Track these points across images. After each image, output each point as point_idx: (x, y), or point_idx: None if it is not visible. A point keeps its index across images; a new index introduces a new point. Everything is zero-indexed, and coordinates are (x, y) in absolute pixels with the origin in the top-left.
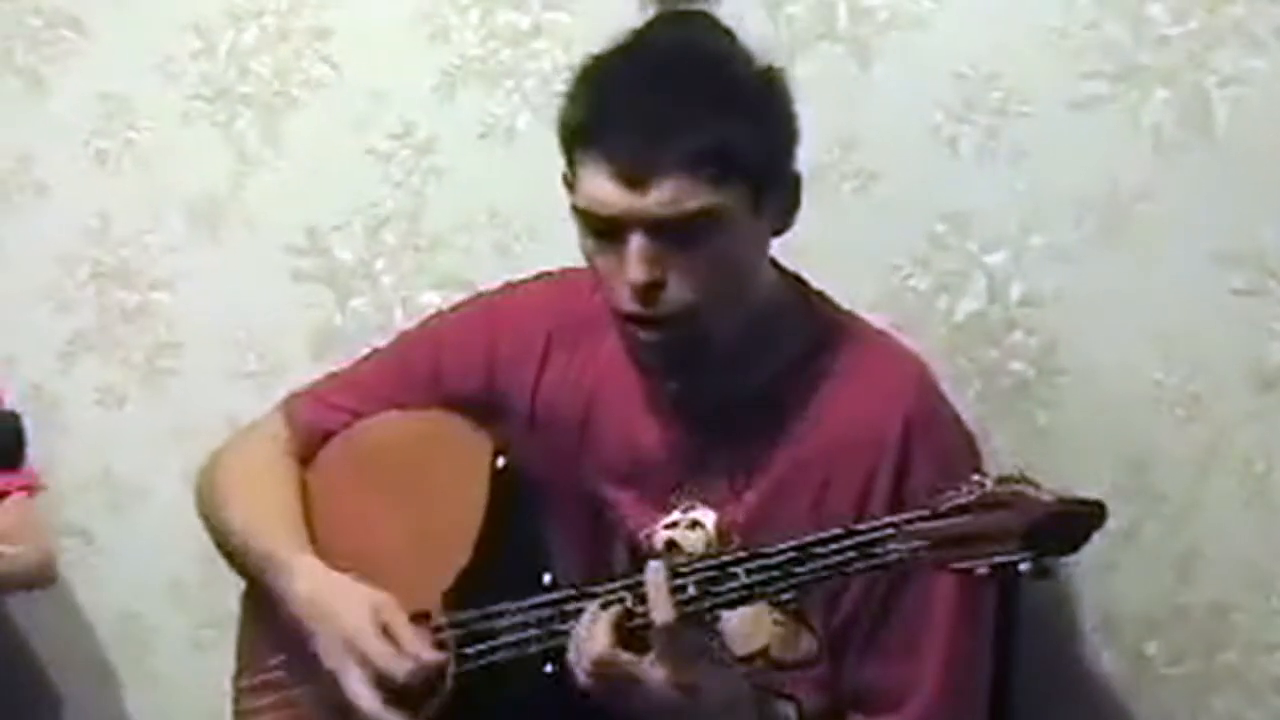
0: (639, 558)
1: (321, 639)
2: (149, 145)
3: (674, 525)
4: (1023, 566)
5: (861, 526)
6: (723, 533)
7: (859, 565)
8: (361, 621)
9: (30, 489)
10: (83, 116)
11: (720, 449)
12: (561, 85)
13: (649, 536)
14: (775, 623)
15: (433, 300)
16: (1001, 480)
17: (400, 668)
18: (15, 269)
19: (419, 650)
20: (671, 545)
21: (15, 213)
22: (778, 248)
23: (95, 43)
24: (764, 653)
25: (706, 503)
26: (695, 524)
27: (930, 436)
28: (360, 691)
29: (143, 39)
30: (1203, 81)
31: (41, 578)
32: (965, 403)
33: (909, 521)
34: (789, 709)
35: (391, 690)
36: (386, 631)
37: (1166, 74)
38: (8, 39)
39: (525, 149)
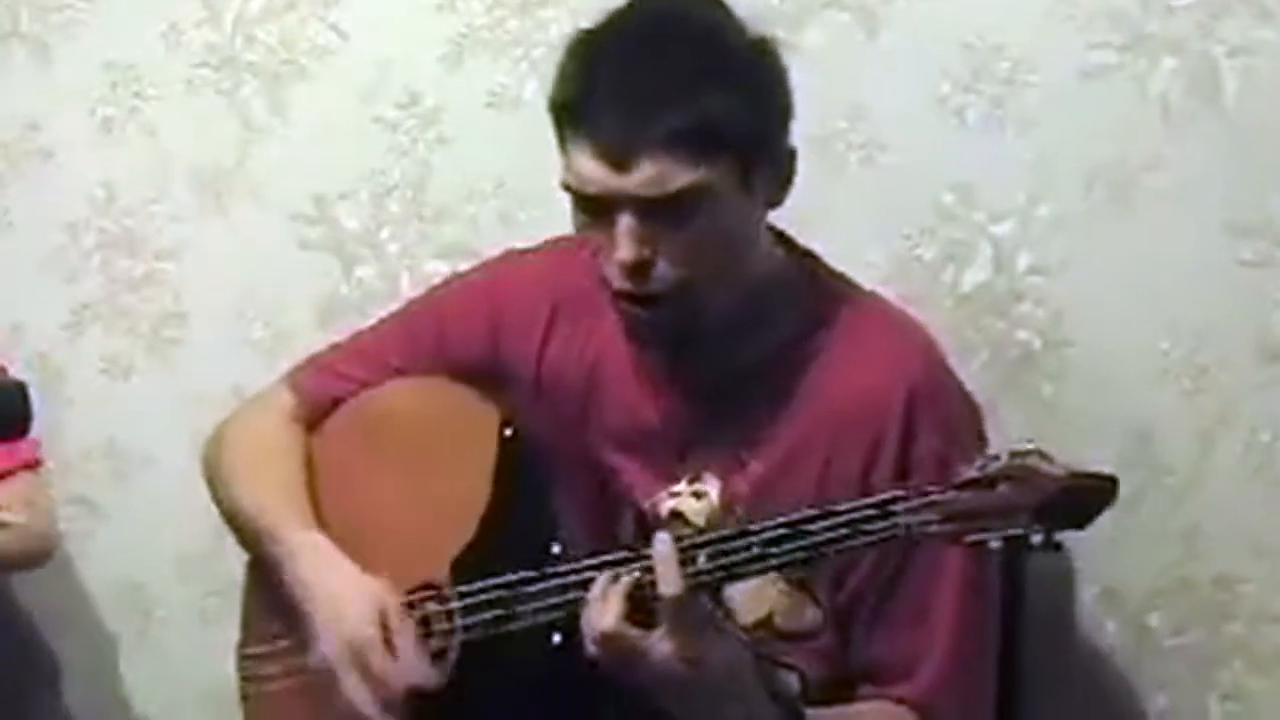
0: (645, 527)
1: (322, 632)
2: (155, 114)
3: (679, 495)
4: (1034, 540)
5: (872, 499)
6: (727, 503)
7: (869, 537)
8: (365, 627)
9: (33, 464)
10: (88, 85)
11: (724, 420)
12: None
13: (654, 505)
14: (780, 592)
15: (438, 269)
16: (1014, 454)
17: (398, 682)
18: (21, 238)
19: (417, 668)
20: (676, 515)
21: (21, 181)
22: (782, 217)
23: (101, 11)
24: (768, 622)
25: (712, 472)
26: (700, 494)
27: (935, 406)
28: (358, 696)
29: (148, 7)
30: (1211, 51)
31: (36, 556)
32: (971, 373)
33: (922, 493)
34: (792, 678)
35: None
36: (388, 639)
37: (1174, 43)
38: (13, 6)
39: (532, 118)
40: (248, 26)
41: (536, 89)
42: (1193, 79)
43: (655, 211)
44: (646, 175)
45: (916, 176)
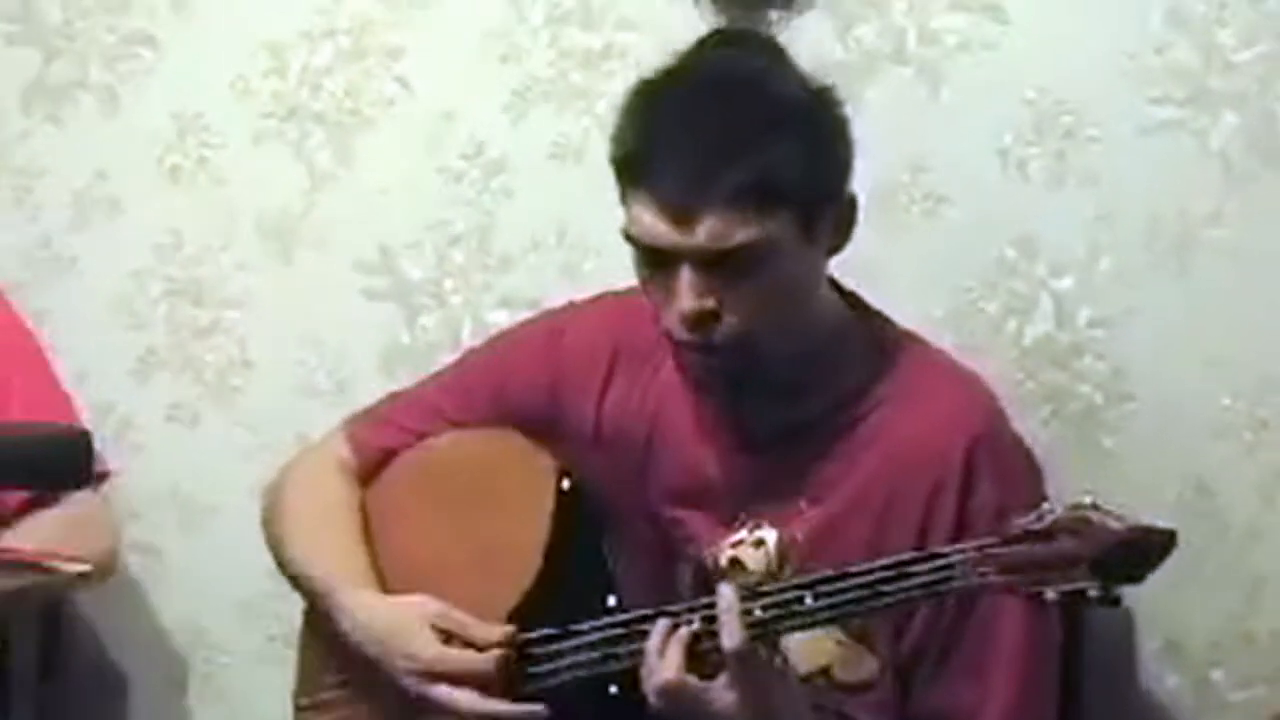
0: (703, 576)
1: (394, 670)
2: (222, 163)
3: (739, 544)
4: (1091, 594)
5: (930, 552)
6: (784, 551)
7: (928, 591)
8: (428, 645)
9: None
10: (156, 134)
11: (784, 470)
12: None
13: (714, 556)
14: (838, 643)
15: (501, 319)
16: (1072, 507)
17: (484, 664)
18: (88, 285)
19: (491, 632)
20: (735, 563)
21: (89, 229)
22: (844, 270)
23: (169, 61)
24: (826, 672)
25: (771, 521)
26: (759, 542)
27: (994, 459)
28: (460, 701)
29: (216, 58)
30: (1272, 106)
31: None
32: (1032, 427)
33: (979, 548)
34: None
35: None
36: (451, 637)
37: (1236, 99)
38: (83, 56)
39: (595, 169)
40: (314, 77)
41: (600, 140)
42: (1253, 135)
43: (717, 265)
44: (710, 231)
45: (978, 230)
